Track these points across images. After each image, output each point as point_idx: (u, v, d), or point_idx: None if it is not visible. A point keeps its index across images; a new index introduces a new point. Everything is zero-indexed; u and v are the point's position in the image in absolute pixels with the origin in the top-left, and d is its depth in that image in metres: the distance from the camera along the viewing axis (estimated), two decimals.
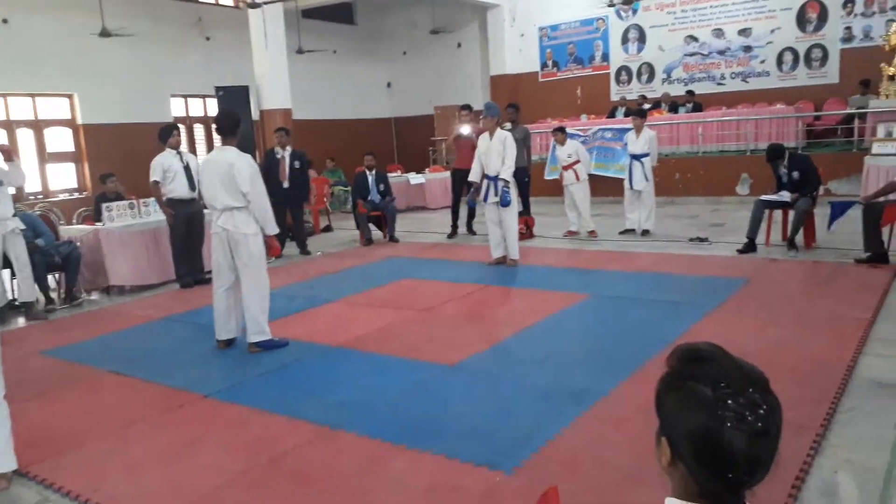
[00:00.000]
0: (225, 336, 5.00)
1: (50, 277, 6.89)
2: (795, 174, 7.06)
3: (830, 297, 5.41)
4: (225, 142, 4.91)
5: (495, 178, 7.15)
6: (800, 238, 7.10)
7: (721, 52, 13.79)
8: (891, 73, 9.64)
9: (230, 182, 4.70)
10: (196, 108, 13.96)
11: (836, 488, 2.68)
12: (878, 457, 2.87)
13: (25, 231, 6.36)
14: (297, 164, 8.91)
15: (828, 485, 2.70)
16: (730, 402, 0.95)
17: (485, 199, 7.31)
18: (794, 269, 6.44)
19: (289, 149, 8.92)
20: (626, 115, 12.36)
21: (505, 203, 7.15)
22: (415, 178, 12.99)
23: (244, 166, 4.72)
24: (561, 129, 9.07)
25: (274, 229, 4.92)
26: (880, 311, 4.87)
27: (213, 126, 5.17)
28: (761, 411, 0.95)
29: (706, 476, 0.98)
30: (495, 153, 7.13)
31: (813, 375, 3.76)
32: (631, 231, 8.71)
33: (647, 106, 13.15)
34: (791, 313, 4.99)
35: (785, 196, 7.12)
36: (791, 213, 7.16)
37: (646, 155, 8.43)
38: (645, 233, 8.56)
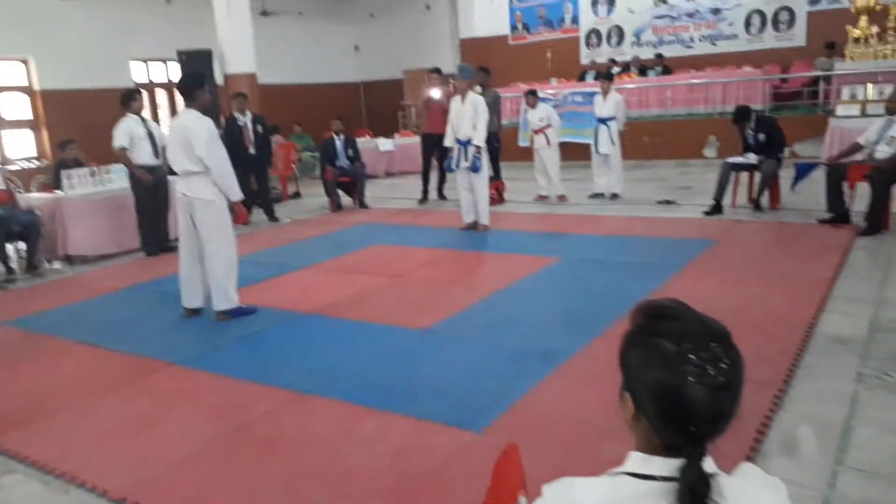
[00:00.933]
0: (191, 304, 4.94)
1: (10, 247, 6.72)
2: (762, 136, 7.14)
3: (794, 256, 5.52)
4: (188, 105, 4.78)
5: (466, 143, 7.10)
6: (765, 199, 7.21)
7: (690, 15, 13.78)
8: (856, 36, 9.72)
9: (188, 146, 4.60)
10: (158, 72, 13.59)
11: (796, 441, 2.76)
12: (836, 410, 2.95)
13: None
14: (259, 128, 8.76)
15: (788, 438, 2.77)
16: (692, 356, 0.95)
17: (456, 165, 7.27)
18: (759, 230, 6.54)
19: (249, 114, 8.76)
20: (596, 78, 12.32)
21: (475, 169, 7.12)
22: (384, 144, 12.84)
23: (201, 130, 4.59)
24: (532, 93, 9.02)
25: (237, 195, 4.82)
26: (841, 270, 4.98)
27: (178, 89, 5.03)
28: (723, 365, 0.95)
29: (669, 429, 0.98)
30: (467, 118, 7.07)
31: (776, 332, 3.85)
32: (600, 195, 8.75)
33: (616, 69, 13.13)
34: (756, 272, 5.08)
35: (751, 158, 7.20)
36: (757, 175, 7.26)
37: (612, 118, 8.43)
38: (614, 196, 8.61)
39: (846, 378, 3.25)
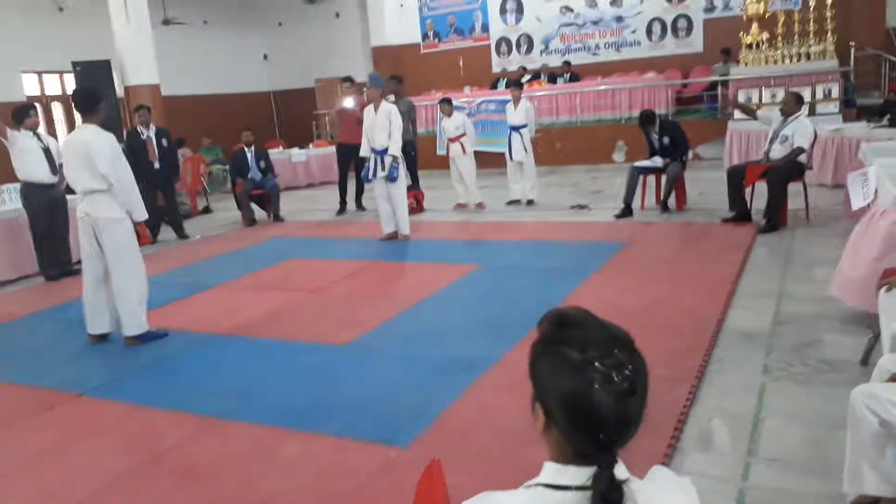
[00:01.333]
0: (98, 330, 4.67)
1: None
2: (666, 140, 7.42)
3: (701, 255, 5.75)
4: (85, 120, 4.54)
5: (382, 153, 7.06)
6: (672, 201, 7.49)
7: (595, 23, 14.23)
8: (749, 42, 10.29)
9: (89, 163, 4.37)
10: (52, 85, 12.88)
11: (710, 435, 2.86)
12: (746, 402, 3.08)
13: None
14: (164, 141, 8.44)
15: (703, 432, 2.87)
16: (596, 364, 0.97)
17: (373, 175, 7.21)
18: (667, 231, 6.80)
19: (153, 127, 8.42)
20: (507, 86, 12.54)
21: (392, 179, 7.08)
22: (297, 155, 12.58)
23: (103, 146, 4.38)
24: (447, 101, 9.07)
25: (142, 215, 4.62)
26: (745, 266, 5.22)
27: (73, 104, 4.77)
28: (627, 371, 0.97)
29: (578, 438, 0.99)
30: (380, 127, 7.03)
31: (686, 329, 3.99)
32: (517, 201, 8.88)
33: (527, 77, 13.39)
34: (666, 272, 5.27)
35: (657, 161, 7.47)
36: (664, 178, 7.54)
37: (524, 126, 8.58)
38: (530, 202, 8.75)
39: (754, 370, 3.40)
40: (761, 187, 6.53)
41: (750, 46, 10.28)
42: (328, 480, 2.74)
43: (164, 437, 3.26)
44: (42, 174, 6.61)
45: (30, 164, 6.56)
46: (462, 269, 5.87)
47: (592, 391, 0.96)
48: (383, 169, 7.08)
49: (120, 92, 10.76)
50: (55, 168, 6.59)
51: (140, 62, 10.49)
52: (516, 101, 8.65)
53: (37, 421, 3.58)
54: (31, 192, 6.61)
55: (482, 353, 3.90)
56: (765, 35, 10.17)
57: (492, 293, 5.28)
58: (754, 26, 10.26)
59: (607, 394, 0.96)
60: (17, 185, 6.84)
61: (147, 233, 4.90)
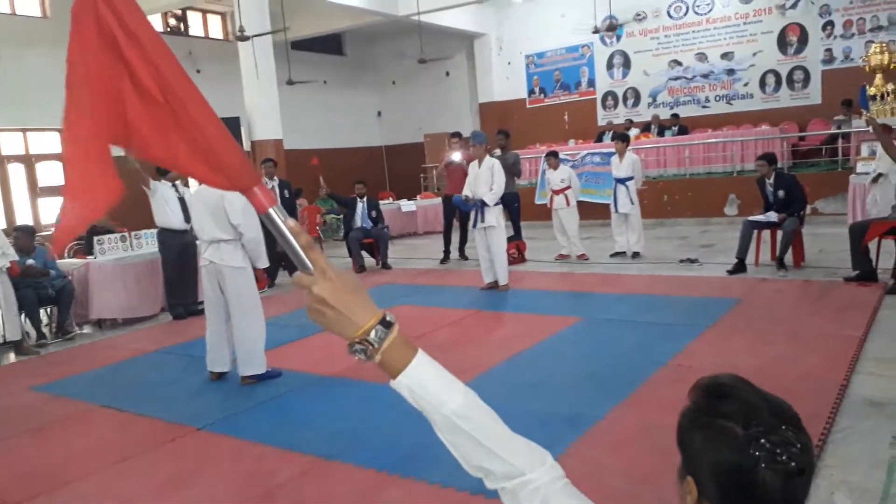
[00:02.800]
0: (217, 368, 4.98)
1: (41, 311, 6.86)
2: (781, 193, 7.14)
3: (821, 315, 5.43)
4: None
5: (483, 204, 7.22)
6: (789, 257, 7.16)
7: (705, 76, 14.00)
8: (872, 93, 9.81)
9: (220, 214, 4.70)
10: None
11: None
12: (873, 477, 2.88)
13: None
14: (286, 193, 8.97)
15: None
16: (763, 441, 0.89)
17: (474, 225, 7.40)
18: (784, 289, 6.48)
19: (276, 179, 8.98)
20: (613, 139, 12.50)
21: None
22: (406, 206, 13.05)
23: (236, 198, 4.69)
24: (554, 154, 9.18)
25: (264, 263, 4.92)
26: (871, 329, 4.90)
27: None
28: (795, 450, 0.90)
29: None
30: (484, 180, 7.23)
31: (807, 394, 3.77)
32: (621, 253, 8.76)
33: (634, 130, 13.30)
34: (783, 332, 5.02)
35: (772, 216, 7.19)
36: (779, 233, 7.23)
37: (630, 178, 8.51)
38: (635, 255, 8.61)
39: (881, 442, 3.18)
40: (888, 245, 6.14)
41: (874, 98, 9.79)
42: None
43: (275, 474, 3.40)
44: (176, 222, 7.20)
45: (167, 212, 7.18)
46: (564, 321, 5.83)
47: (757, 470, 0.88)
48: (482, 220, 7.25)
49: (246, 146, 11.57)
50: (188, 216, 7.15)
51: (266, 119, 11.29)
52: (621, 153, 8.62)
53: (159, 453, 3.83)
54: (166, 238, 7.20)
55: (587, 409, 3.84)
56: (890, 86, 9.67)
57: (595, 347, 5.21)
58: (878, 77, 9.78)
59: (773, 474, 0.88)
60: (154, 231, 7.48)
61: (265, 277, 5.21)
